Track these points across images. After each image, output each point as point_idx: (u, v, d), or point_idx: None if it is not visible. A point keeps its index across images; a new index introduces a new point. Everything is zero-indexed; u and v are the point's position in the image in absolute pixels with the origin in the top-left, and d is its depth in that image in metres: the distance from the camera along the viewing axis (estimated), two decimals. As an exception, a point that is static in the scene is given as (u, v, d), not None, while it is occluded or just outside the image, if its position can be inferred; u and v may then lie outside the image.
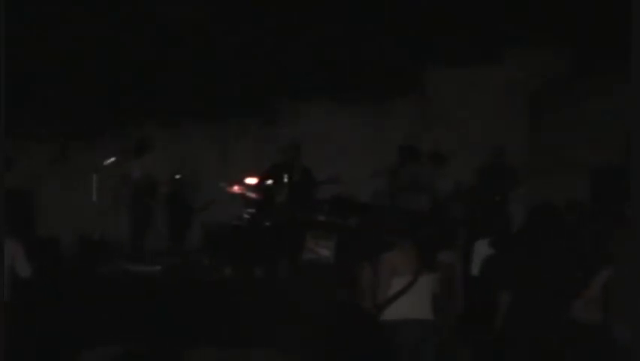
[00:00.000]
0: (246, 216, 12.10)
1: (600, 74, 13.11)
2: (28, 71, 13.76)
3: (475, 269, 9.26)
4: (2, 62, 7.78)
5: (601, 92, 12.98)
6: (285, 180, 11.81)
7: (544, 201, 9.11)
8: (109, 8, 14.42)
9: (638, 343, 6.35)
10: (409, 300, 7.27)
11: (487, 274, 8.68)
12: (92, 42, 14.51)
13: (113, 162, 13.00)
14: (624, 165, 11.24)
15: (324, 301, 9.46)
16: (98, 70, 14.60)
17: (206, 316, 9.66)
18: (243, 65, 14.60)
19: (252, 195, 12.19)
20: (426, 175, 12.88)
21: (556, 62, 14.27)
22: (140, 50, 14.58)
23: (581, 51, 13.86)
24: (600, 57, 13.16)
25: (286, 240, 11.58)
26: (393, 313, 7.29)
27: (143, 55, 14.62)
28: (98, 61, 14.58)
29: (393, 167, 13.06)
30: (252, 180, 12.34)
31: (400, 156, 13.06)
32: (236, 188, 12.34)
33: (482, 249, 9.24)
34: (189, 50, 14.75)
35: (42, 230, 13.40)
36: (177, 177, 13.50)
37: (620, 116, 12.02)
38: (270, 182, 12.03)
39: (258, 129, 15.28)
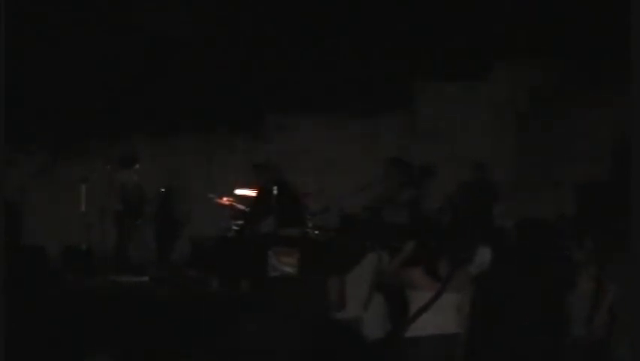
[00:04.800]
0: (234, 228, 12.09)
1: (588, 89, 13.18)
2: (14, 81, 13.73)
3: None
4: (2, 63, 7.76)
5: (589, 107, 13.05)
6: (275, 191, 11.78)
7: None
8: (97, 20, 14.45)
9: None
10: (434, 315, 6.93)
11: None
12: (79, 54, 14.52)
13: (101, 174, 12.99)
14: (611, 180, 11.36)
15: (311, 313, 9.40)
16: (86, 81, 14.59)
17: (193, 328, 9.63)
18: (231, 79, 14.62)
19: (240, 207, 12.19)
20: (412, 189, 12.86)
21: (545, 77, 14.35)
22: (128, 63, 14.60)
23: (569, 66, 13.93)
24: (588, 72, 13.24)
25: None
26: (417, 328, 6.94)
27: (131, 67, 14.62)
28: (85, 72, 14.57)
29: (381, 180, 13.02)
30: (240, 192, 12.33)
31: (388, 169, 13.02)
32: (224, 200, 12.33)
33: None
34: (177, 62, 14.77)
35: (29, 241, 13.33)
36: (165, 189, 13.47)
37: (606, 130, 12.10)
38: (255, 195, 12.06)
39: (245, 142, 15.28)
